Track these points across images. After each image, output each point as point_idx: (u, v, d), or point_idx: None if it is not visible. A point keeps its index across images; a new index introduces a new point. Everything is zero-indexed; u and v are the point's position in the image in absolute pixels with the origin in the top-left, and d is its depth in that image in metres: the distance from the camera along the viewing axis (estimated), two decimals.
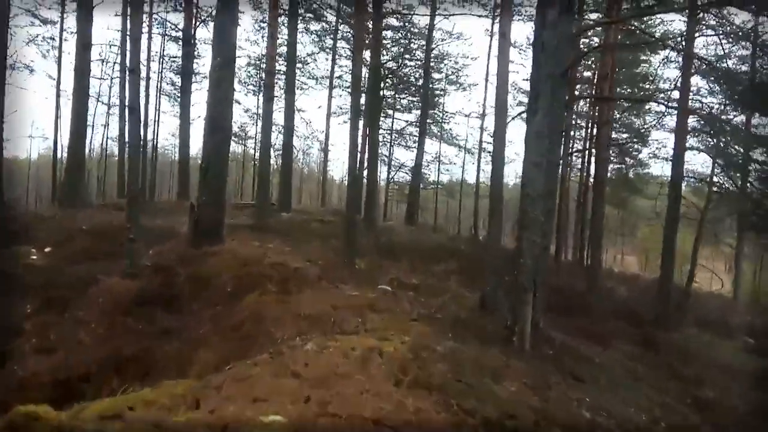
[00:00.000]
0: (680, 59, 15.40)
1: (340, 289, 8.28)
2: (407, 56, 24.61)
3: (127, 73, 8.94)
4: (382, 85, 23.31)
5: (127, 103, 8.85)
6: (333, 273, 9.38)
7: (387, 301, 8.04)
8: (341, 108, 28.25)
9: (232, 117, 9.70)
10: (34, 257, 8.96)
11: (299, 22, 22.28)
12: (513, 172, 36.82)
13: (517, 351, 7.13)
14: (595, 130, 18.90)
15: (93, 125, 25.28)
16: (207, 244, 9.37)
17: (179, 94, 24.60)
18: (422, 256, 15.19)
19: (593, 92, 17.35)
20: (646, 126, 21.21)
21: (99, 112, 27.49)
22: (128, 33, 8.56)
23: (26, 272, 8.54)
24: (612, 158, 25.81)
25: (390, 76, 23.84)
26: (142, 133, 23.81)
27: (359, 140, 15.55)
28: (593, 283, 14.78)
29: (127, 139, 9.58)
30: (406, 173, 28.44)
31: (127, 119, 10.96)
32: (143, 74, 22.27)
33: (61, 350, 7.25)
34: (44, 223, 10.58)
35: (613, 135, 18.85)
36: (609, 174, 21.49)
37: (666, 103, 15.95)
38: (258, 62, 26.57)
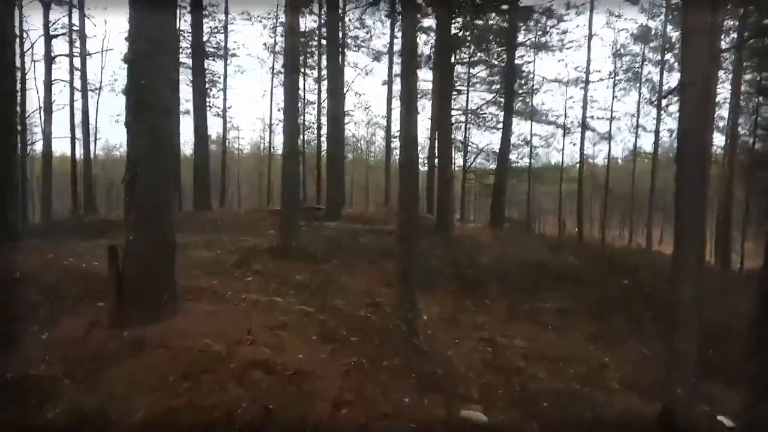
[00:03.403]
0: None
1: None
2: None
3: None
4: (453, 57, 18.49)
5: None
6: (373, 372, 4.86)
7: None
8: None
9: (170, 93, 5.39)
10: None
11: None
12: (621, 149, 30.60)
13: None
14: None
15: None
16: (140, 321, 5.12)
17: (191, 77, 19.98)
18: (521, 282, 10.41)
19: None
20: None
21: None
22: None
23: None
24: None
25: (464, 39, 18.87)
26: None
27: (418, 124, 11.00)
28: None
29: None
30: (486, 160, 23.46)
31: None
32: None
33: None
34: None
35: None
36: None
37: None
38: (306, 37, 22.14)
